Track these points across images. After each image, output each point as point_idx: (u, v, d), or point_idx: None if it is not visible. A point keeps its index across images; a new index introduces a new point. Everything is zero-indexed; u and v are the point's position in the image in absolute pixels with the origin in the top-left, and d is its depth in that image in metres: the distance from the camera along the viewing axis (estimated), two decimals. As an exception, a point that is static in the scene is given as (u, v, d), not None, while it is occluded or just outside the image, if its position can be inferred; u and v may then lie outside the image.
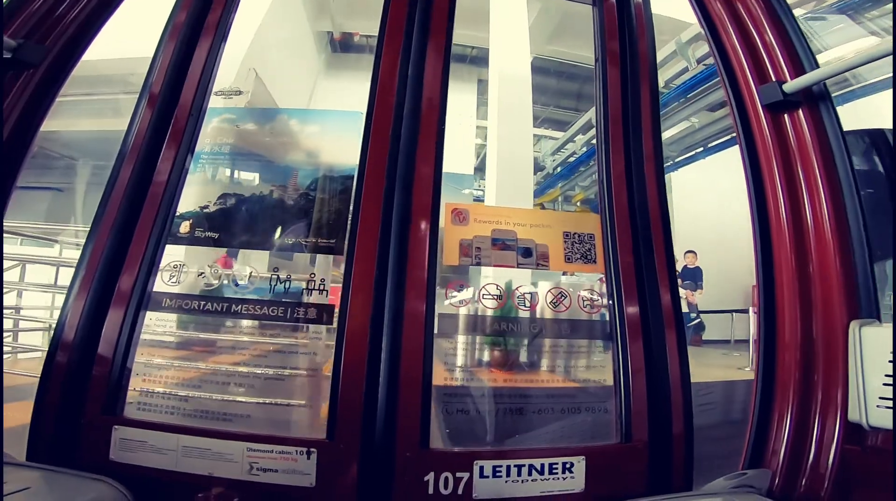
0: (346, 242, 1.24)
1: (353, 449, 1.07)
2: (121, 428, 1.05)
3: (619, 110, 1.48)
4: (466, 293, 1.33)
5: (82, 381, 1.09)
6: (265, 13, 4.66)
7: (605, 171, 1.42)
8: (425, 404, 1.12)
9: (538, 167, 11.74)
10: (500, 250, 1.29)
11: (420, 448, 1.08)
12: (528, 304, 1.31)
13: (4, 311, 3.73)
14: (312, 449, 1.06)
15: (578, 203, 10.85)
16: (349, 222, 1.26)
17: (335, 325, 1.18)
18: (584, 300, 1.33)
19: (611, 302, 1.29)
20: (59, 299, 3.61)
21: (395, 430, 1.08)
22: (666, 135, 7.06)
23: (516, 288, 1.31)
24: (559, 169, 10.68)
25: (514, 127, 5.55)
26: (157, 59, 1.34)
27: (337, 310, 1.19)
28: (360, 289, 1.18)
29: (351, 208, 1.27)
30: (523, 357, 1.37)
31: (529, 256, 1.31)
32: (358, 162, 1.29)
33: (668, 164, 7.59)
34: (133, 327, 1.15)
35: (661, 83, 5.49)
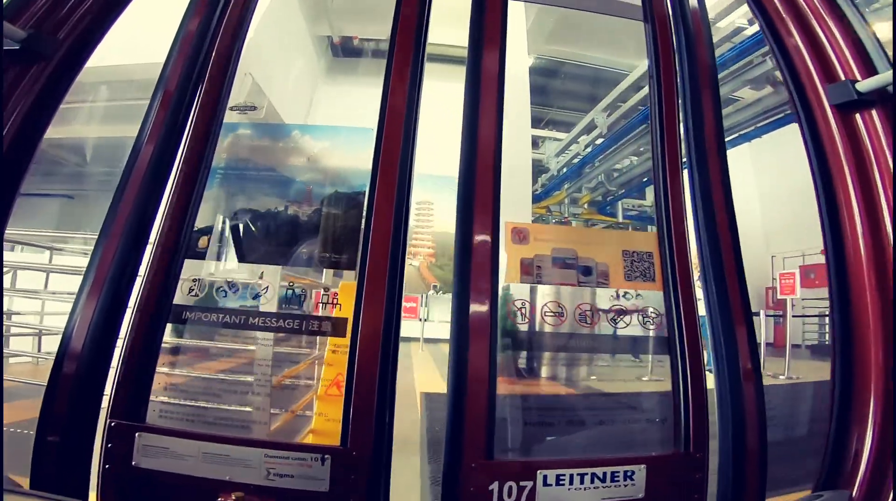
0: (359, 257, 1.28)
1: (365, 456, 1.12)
2: (144, 435, 1.10)
3: (676, 127, 1.48)
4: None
5: (90, 395, 1.13)
6: (260, 17, 4.68)
7: (662, 189, 1.43)
8: (490, 417, 1.15)
9: (543, 170, 11.75)
10: (561, 269, 1.32)
11: (486, 459, 1.12)
12: (589, 320, 1.33)
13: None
14: (327, 456, 1.10)
15: (586, 205, 10.85)
16: (361, 238, 1.30)
17: (348, 337, 1.22)
18: (644, 317, 1.35)
19: (671, 318, 1.32)
20: (49, 306, 3.66)
21: (461, 442, 1.13)
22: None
23: (578, 305, 1.34)
24: (564, 170, 10.69)
25: (511, 130, 5.56)
26: (166, 72, 1.37)
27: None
28: (371, 302, 1.23)
29: (363, 223, 1.31)
30: (581, 370, 1.42)
31: (590, 274, 1.33)
32: (370, 178, 1.33)
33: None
34: (154, 337, 1.19)
35: None
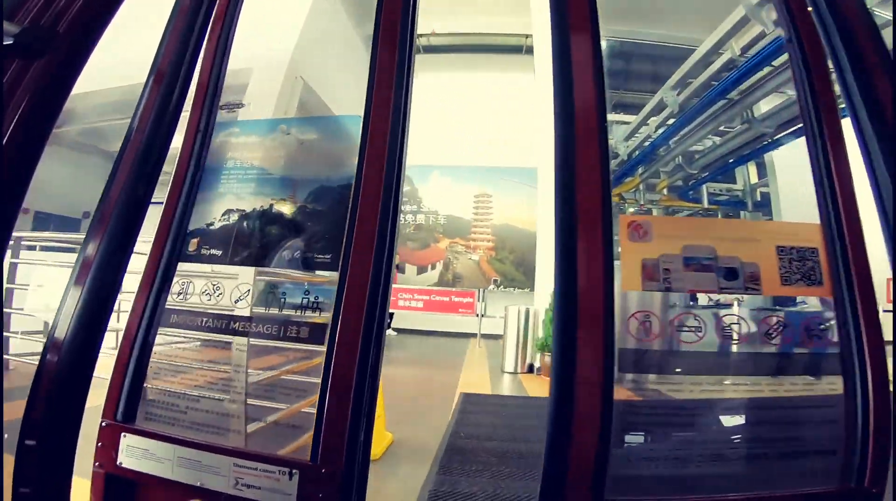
0: (341, 257, 1.20)
1: (335, 474, 1.04)
2: (129, 436, 1.13)
3: (831, 92, 1.24)
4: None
5: (74, 396, 1.12)
6: (304, 22, 4.85)
7: (823, 170, 1.20)
8: (602, 448, 0.96)
9: (612, 155, 10.97)
10: (696, 272, 1.09)
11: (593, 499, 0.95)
12: (736, 335, 1.12)
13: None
14: (295, 471, 1.04)
15: (664, 191, 10.09)
16: (345, 236, 1.21)
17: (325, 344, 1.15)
18: (809, 331, 1.13)
19: (845, 328, 1.09)
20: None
21: (564, 478, 0.96)
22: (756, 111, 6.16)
23: (722, 316, 1.14)
24: (636, 154, 9.92)
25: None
26: (152, 74, 1.34)
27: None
28: (350, 306, 1.14)
29: (347, 220, 1.22)
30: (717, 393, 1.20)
31: (734, 278, 1.09)
32: (356, 169, 1.24)
33: (766, 143, 6.61)
34: (145, 339, 1.22)
35: (736, 51, 4.74)
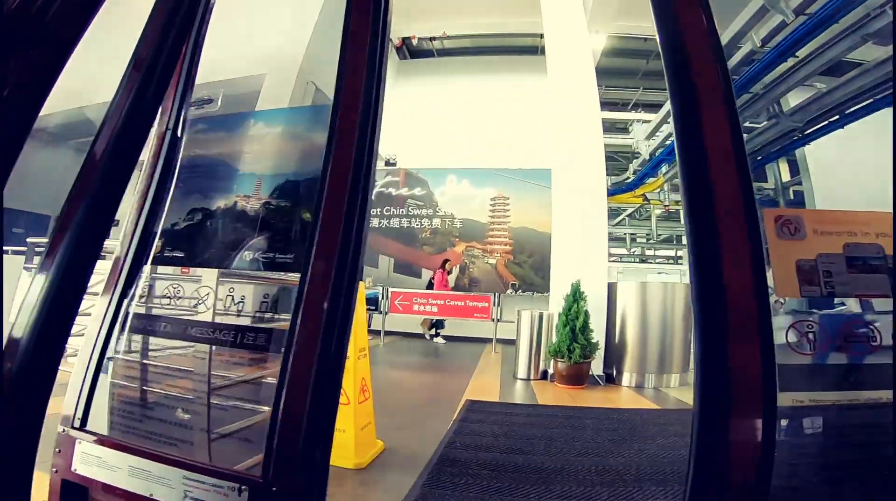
0: (304, 258, 1.14)
1: (288, 494, 0.97)
2: (83, 443, 1.09)
3: None
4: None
5: (33, 403, 1.05)
6: (314, 28, 4.87)
7: None
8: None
9: (634, 155, 10.68)
10: (861, 274, 0.95)
11: None
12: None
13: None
14: (244, 487, 0.98)
15: None
16: (308, 236, 1.15)
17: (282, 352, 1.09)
18: None
19: None
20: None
21: None
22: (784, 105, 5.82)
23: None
24: (658, 152, 9.60)
25: (578, 114, 5.04)
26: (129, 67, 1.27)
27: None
28: (311, 310, 1.07)
29: (312, 218, 1.16)
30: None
31: None
32: (322, 166, 1.18)
33: (795, 139, 6.25)
34: (105, 345, 1.19)
35: (756, 43, 4.49)
